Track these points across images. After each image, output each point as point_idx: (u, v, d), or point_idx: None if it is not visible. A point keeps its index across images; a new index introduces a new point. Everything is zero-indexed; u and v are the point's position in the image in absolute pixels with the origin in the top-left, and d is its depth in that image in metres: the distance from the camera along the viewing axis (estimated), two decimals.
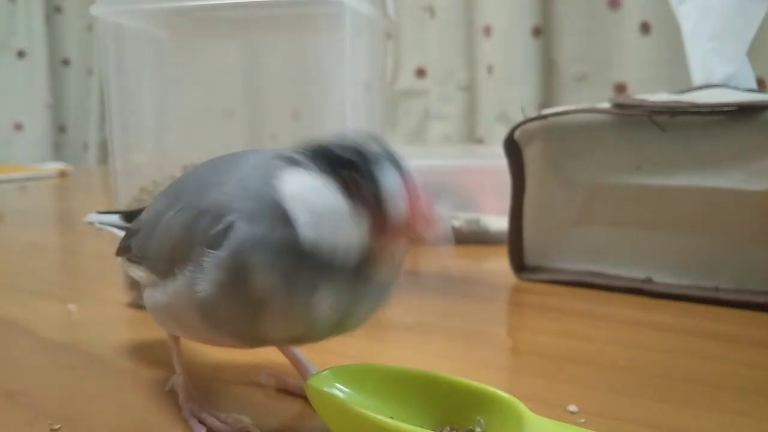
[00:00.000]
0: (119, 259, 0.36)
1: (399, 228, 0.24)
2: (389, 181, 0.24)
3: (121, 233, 0.37)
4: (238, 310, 0.26)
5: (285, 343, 0.28)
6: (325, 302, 0.25)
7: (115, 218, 0.40)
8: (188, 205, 0.28)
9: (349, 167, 0.24)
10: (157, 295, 0.30)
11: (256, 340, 0.28)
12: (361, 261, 0.25)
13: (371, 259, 0.25)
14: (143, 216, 0.34)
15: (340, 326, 0.28)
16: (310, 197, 0.25)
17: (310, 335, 0.28)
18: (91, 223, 0.41)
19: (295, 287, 0.25)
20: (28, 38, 1.90)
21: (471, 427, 0.28)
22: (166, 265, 0.29)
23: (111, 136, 0.51)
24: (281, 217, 0.25)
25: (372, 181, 0.24)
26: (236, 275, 0.25)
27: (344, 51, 0.46)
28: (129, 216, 0.39)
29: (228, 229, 0.26)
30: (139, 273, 0.33)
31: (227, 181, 0.28)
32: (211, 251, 0.26)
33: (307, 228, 0.25)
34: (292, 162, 0.26)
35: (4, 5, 1.87)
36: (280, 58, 0.58)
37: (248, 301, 0.26)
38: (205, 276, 0.26)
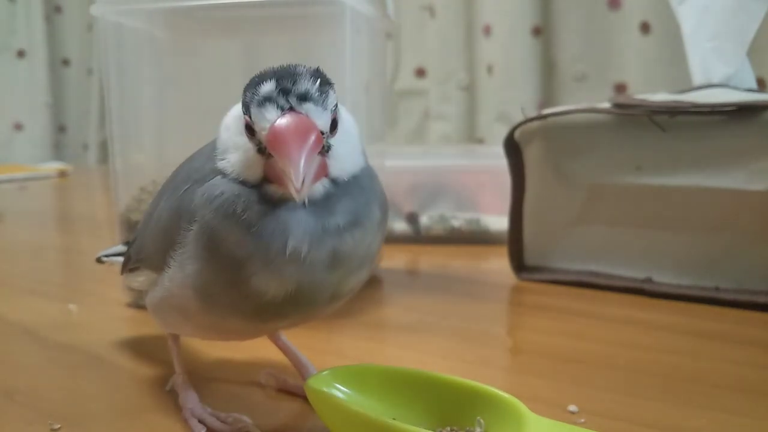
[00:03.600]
0: (124, 279, 0.36)
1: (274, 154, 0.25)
2: (261, 120, 0.25)
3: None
4: (226, 276, 0.26)
5: (290, 310, 0.27)
6: (296, 230, 0.25)
7: (119, 248, 0.41)
8: (166, 194, 0.30)
9: (244, 107, 0.26)
10: (156, 292, 0.30)
11: (256, 312, 0.27)
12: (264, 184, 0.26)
13: (272, 189, 0.26)
14: (139, 226, 0.34)
15: (336, 268, 0.26)
16: (228, 125, 0.28)
17: (310, 288, 0.26)
18: (101, 261, 0.41)
19: (260, 226, 0.25)
20: (28, 38, 1.90)
21: (471, 427, 0.28)
22: (160, 257, 0.29)
23: (111, 136, 0.51)
24: (217, 159, 0.27)
25: (251, 118, 0.25)
26: (209, 239, 0.26)
27: (344, 51, 0.46)
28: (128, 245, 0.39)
29: (195, 202, 0.27)
30: (139, 279, 0.33)
31: (194, 155, 0.30)
32: (190, 225, 0.26)
33: (221, 160, 0.27)
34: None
35: (4, 5, 1.87)
36: (280, 58, 0.58)
37: (230, 263, 0.26)
38: (189, 252, 0.27)
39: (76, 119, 1.96)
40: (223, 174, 0.27)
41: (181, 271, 0.27)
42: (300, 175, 0.23)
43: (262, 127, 0.25)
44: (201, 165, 0.28)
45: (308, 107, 0.25)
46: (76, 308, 0.51)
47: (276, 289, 0.26)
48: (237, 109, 0.27)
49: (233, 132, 0.27)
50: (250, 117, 0.25)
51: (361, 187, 0.27)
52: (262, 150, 0.26)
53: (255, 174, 0.26)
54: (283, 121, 0.24)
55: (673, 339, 0.43)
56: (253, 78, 0.26)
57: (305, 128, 0.24)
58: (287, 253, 0.25)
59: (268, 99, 0.25)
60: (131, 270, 0.34)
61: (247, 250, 0.25)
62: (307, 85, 0.25)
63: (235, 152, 0.27)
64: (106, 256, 0.41)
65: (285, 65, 0.26)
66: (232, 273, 0.26)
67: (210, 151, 0.29)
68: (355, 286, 0.29)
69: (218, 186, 0.26)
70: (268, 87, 0.25)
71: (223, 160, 0.27)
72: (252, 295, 0.26)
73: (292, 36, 0.57)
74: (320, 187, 0.26)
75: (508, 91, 1.18)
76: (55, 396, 0.35)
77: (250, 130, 0.26)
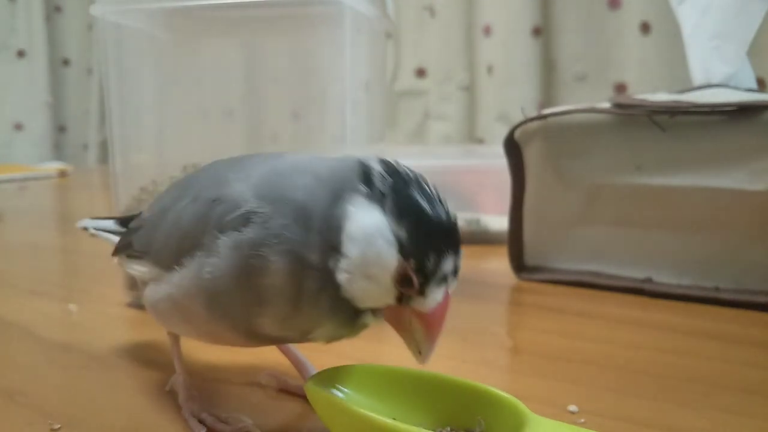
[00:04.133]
0: (115, 259, 0.36)
1: (409, 326, 0.26)
2: (435, 296, 0.25)
3: (116, 238, 0.37)
4: (241, 300, 0.26)
5: (279, 342, 0.29)
6: (322, 321, 0.26)
7: (110, 223, 0.40)
8: (203, 194, 0.28)
9: (416, 250, 0.24)
10: (160, 288, 0.30)
11: (252, 336, 0.28)
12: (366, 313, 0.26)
13: (374, 317, 0.27)
14: (146, 214, 0.34)
15: (331, 338, 0.28)
16: (368, 246, 0.25)
17: (303, 340, 0.28)
18: (85, 229, 0.41)
19: (300, 300, 0.26)
20: (28, 38, 1.90)
21: (471, 427, 0.28)
22: (173, 256, 0.29)
23: (111, 136, 0.51)
24: (326, 235, 0.25)
25: (424, 282, 0.25)
26: (249, 263, 0.25)
27: (344, 51, 0.46)
28: (124, 222, 0.39)
29: (251, 214, 0.26)
30: (140, 269, 0.33)
31: (254, 175, 0.27)
32: (230, 233, 0.26)
33: (345, 275, 0.25)
34: (370, 192, 0.25)
35: (4, 5, 1.87)
36: (280, 58, 0.58)
37: (252, 293, 0.26)
38: (216, 259, 0.26)
39: (76, 119, 1.97)
40: (324, 258, 0.25)
41: (197, 274, 0.27)
42: (433, 351, 0.25)
43: (433, 301, 0.25)
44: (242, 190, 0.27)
45: (452, 286, 0.26)
46: (76, 308, 0.51)
47: (278, 332, 0.27)
48: (382, 232, 0.25)
49: (371, 260, 0.25)
50: (418, 279, 0.25)
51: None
52: (399, 300, 0.25)
53: (369, 304, 0.26)
54: (443, 304, 0.25)
55: (673, 339, 0.43)
56: (435, 231, 0.25)
57: (448, 309, 0.26)
58: (306, 322, 0.26)
59: (444, 279, 0.25)
60: (130, 257, 0.34)
61: (277, 297, 0.26)
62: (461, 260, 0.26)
63: (365, 281, 0.25)
64: (95, 228, 0.40)
65: (454, 223, 0.25)
66: (248, 301, 0.26)
67: (324, 192, 0.26)
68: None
69: (307, 247, 0.25)
70: (449, 265, 0.25)
71: (342, 275, 0.25)
72: (255, 324, 0.27)
73: (292, 36, 0.57)
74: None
75: (508, 91, 1.18)
76: (55, 396, 0.35)
77: (405, 281, 0.25)
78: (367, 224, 0.25)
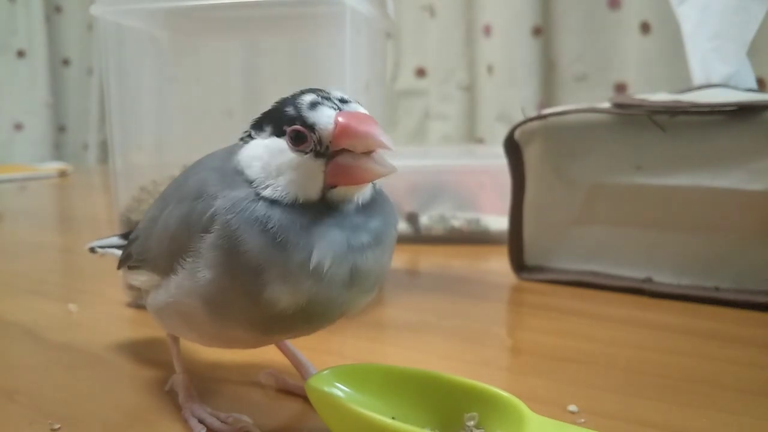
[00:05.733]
0: (121, 272, 0.36)
1: (352, 168, 0.26)
2: (325, 118, 0.26)
3: (119, 252, 0.37)
4: (241, 285, 0.26)
5: (299, 324, 0.28)
6: (322, 244, 0.26)
7: (114, 240, 0.40)
8: (178, 196, 0.29)
9: (289, 121, 0.27)
10: (160, 296, 0.30)
11: (265, 324, 0.27)
12: (324, 197, 0.27)
13: (335, 194, 0.27)
14: (140, 224, 0.34)
15: (352, 286, 0.27)
16: (259, 156, 0.27)
17: (322, 305, 0.27)
18: (93, 250, 0.41)
19: (286, 238, 0.25)
20: (28, 38, 1.90)
21: (467, 422, 0.28)
22: (167, 262, 0.29)
23: (111, 136, 0.51)
24: (243, 183, 0.27)
25: (306, 124, 0.26)
26: (228, 248, 0.26)
27: (344, 51, 0.46)
28: (126, 235, 0.39)
29: (214, 210, 0.27)
30: (141, 278, 0.33)
31: (200, 170, 0.30)
32: (204, 234, 0.26)
33: (261, 183, 0.27)
34: (248, 138, 0.29)
35: (4, 5, 1.87)
36: (280, 58, 0.58)
37: (248, 272, 0.26)
38: (203, 260, 0.26)
39: (76, 119, 1.97)
40: (255, 192, 0.27)
41: (191, 278, 0.27)
42: (381, 134, 0.25)
43: (326, 123, 0.26)
44: (215, 180, 0.28)
45: (354, 106, 0.27)
46: (76, 308, 0.51)
47: (288, 301, 0.26)
48: (261, 142, 0.28)
49: (271, 158, 0.27)
50: (303, 124, 0.26)
51: (381, 206, 0.28)
52: (321, 153, 0.26)
53: (316, 185, 0.27)
54: (344, 113, 0.26)
55: (673, 339, 0.43)
56: (282, 101, 0.28)
57: (366, 116, 0.26)
58: (311, 266, 0.25)
59: (316, 103, 0.27)
60: (131, 267, 0.34)
61: (267, 258, 0.25)
62: (339, 93, 0.28)
63: (284, 174, 0.27)
64: (101, 247, 0.41)
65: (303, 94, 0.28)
66: (247, 281, 0.26)
67: (222, 161, 0.29)
68: (364, 306, 0.29)
69: (245, 199, 0.27)
70: (309, 97, 0.27)
71: (266, 188, 0.27)
72: (263, 306, 0.26)
73: (292, 36, 0.57)
74: (368, 191, 0.28)
75: (508, 91, 1.18)
76: (55, 396, 0.35)
77: (300, 139, 0.26)
78: (249, 148, 0.28)
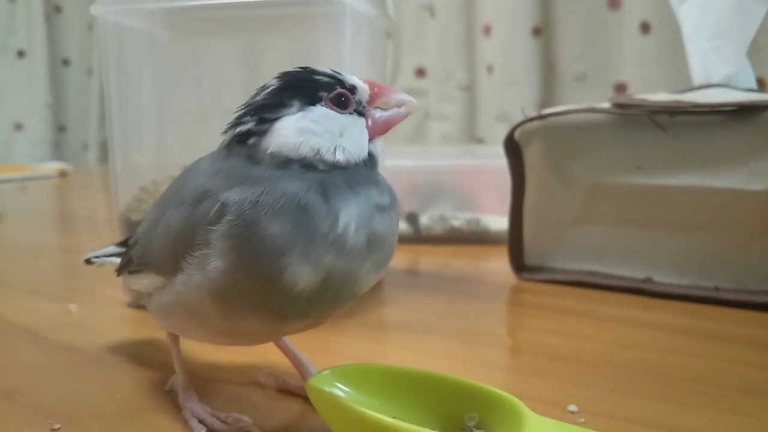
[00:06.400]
0: (120, 280, 0.36)
1: (378, 102, 0.30)
2: (356, 80, 0.30)
3: (117, 260, 0.38)
4: (258, 272, 0.26)
5: (314, 307, 0.27)
6: (349, 210, 0.27)
7: (111, 248, 0.40)
8: (177, 201, 0.29)
9: (328, 87, 0.29)
10: (165, 296, 0.30)
11: (281, 310, 0.27)
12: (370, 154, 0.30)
13: (373, 149, 0.30)
14: (139, 229, 0.34)
15: (370, 252, 0.27)
16: (306, 129, 0.28)
17: (340, 276, 0.27)
18: (89, 261, 0.41)
19: (313, 210, 0.26)
20: (28, 38, 1.90)
21: (467, 423, 0.28)
22: (172, 261, 0.29)
23: (111, 136, 0.51)
24: (265, 173, 0.27)
25: (346, 87, 0.29)
26: (246, 236, 0.26)
27: (344, 51, 0.46)
28: (123, 243, 0.39)
29: (222, 203, 0.26)
30: (142, 281, 0.32)
31: (199, 174, 0.30)
32: (212, 226, 0.26)
33: (320, 153, 0.28)
34: (259, 125, 0.29)
35: (4, 5, 1.87)
36: (280, 58, 0.58)
37: (268, 256, 0.25)
38: (214, 252, 0.26)
39: (76, 119, 1.97)
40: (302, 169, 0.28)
41: (200, 272, 0.27)
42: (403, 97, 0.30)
43: (362, 84, 0.30)
44: (220, 180, 0.28)
45: None
46: (76, 308, 0.51)
47: (307, 280, 0.26)
48: (297, 117, 0.28)
49: (326, 126, 0.28)
50: (346, 88, 0.29)
51: (386, 184, 0.30)
52: (360, 112, 0.30)
53: (366, 141, 0.29)
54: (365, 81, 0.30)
55: (673, 339, 0.43)
56: (295, 75, 0.29)
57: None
58: (338, 231, 0.26)
59: (340, 74, 0.29)
60: (132, 272, 0.34)
61: (291, 238, 0.26)
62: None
63: (345, 136, 0.29)
64: (96, 257, 0.41)
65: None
66: (266, 266, 0.26)
67: (221, 162, 0.29)
68: (373, 282, 0.29)
69: (266, 183, 0.27)
70: (324, 69, 0.29)
71: (332, 153, 0.28)
72: (281, 289, 0.26)
73: (292, 36, 0.57)
74: (380, 145, 0.31)
75: (508, 91, 1.18)
76: (55, 396, 0.35)
77: (345, 102, 0.29)
78: (286, 125, 0.28)
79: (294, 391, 0.35)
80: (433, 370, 0.30)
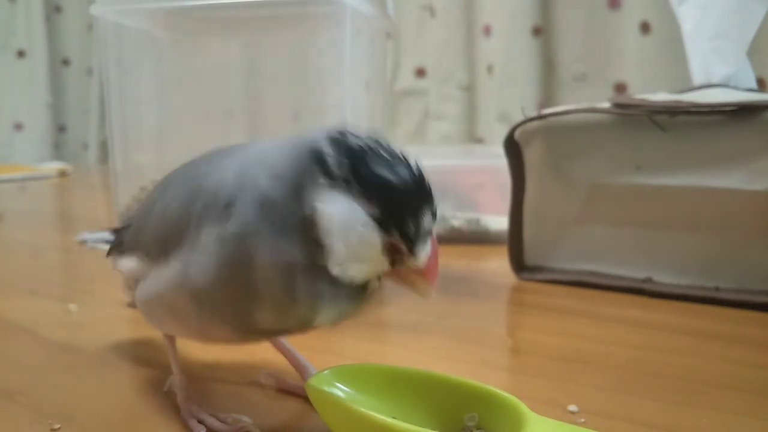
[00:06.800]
0: (109, 261, 0.36)
1: (409, 280, 0.27)
2: (424, 251, 0.26)
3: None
4: (233, 294, 0.26)
5: (278, 334, 0.28)
6: (322, 308, 0.26)
7: (105, 234, 0.41)
8: (185, 186, 0.28)
9: (395, 221, 0.25)
10: (147, 285, 0.30)
11: (246, 331, 0.28)
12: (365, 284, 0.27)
13: (373, 286, 0.27)
14: (134, 212, 0.34)
15: (336, 321, 0.28)
16: (349, 236, 0.25)
17: (305, 330, 0.28)
18: (84, 242, 0.41)
19: (294, 286, 0.25)
20: (28, 38, 1.90)
21: (467, 423, 0.28)
22: (160, 248, 0.29)
23: (111, 136, 0.51)
24: (301, 232, 0.25)
25: (411, 245, 0.26)
26: (239, 254, 0.25)
27: (344, 51, 0.46)
28: (118, 230, 0.39)
29: (232, 205, 0.25)
30: (129, 264, 0.32)
31: (234, 164, 0.27)
32: (214, 226, 0.26)
33: (336, 268, 0.25)
34: (332, 182, 0.25)
35: (4, 5, 1.87)
36: (280, 58, 0.58)
37: (244, 289, 0.26)
38: (202, 255, 0.26)
39: (76, 119, 1.97)
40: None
41: (184, 272, 0.27)
42: (434, 290, 0.27)
43: (422, 259, 0.26)
44: (261, 214, 0.26)
45: (435, 228, 0.27)
46: (76, 308, 0.51)
47: (273, 325, 0.27)
48: (358, 217, 0.25)
49: (356, 246, 0.25)
50: (405, 245, 0.25)
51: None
52: (394, 263, 0.26)
53: (369, 276, 0.26)
54: (433, 251, 0.26)
55: (673, 339, 0.43)
56: (406, 197, 0.25)
57: (438, 252, 0.27)
58: (307, 313, 0.26)
59: (428, 233, 0.26)
60: (121, 252, 0.34)
61: (271, 287, 0.25)
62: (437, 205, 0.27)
63: (358, 264, 0.25)
64: (93, 241, 0.41)
65: (420, 177, 0.26)
66: (241, 294, 0.26)
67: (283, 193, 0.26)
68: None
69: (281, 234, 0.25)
70: (428, 220, 0.26)
71: (323, 256, 0.25)
72: (250, 317, 0.26)
73: (292, 36, 0.57)
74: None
75: (508, 91, 1.18)
76: (55, 396, 0.35)
77: (395, 251, 0.26)
78: (341, 215, 0.25)
79: (294, 391, 0.35)
80: (433, 370, 0.30)
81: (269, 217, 0.25)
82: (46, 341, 0.44)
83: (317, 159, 0.25)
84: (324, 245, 0.25)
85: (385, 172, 0.25)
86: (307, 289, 0.25)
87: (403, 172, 0.25)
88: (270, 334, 0.28)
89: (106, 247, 0.39)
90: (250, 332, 0.28)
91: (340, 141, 0.26)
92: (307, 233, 0.25)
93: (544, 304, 0.53)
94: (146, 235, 0.31)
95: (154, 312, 0.31)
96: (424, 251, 0.26)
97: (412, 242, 0.25)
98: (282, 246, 0.25)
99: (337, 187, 0.25)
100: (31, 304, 0.53)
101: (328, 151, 0.25)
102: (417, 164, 0.26)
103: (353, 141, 0.25)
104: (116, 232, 0.38)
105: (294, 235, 0.25)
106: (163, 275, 0.28)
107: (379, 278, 0.27)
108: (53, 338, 0.44)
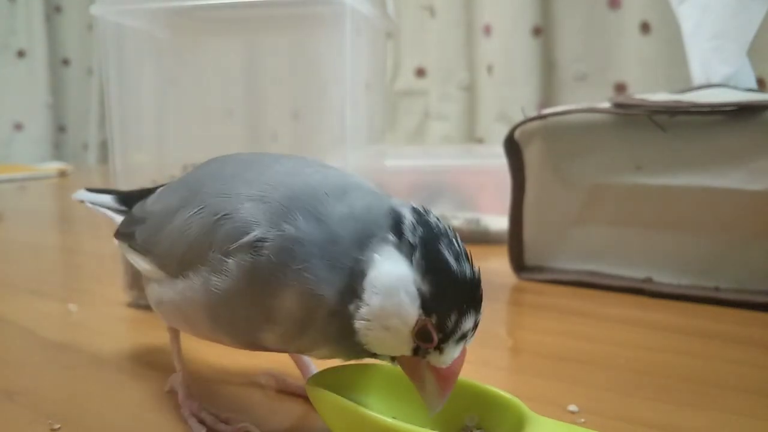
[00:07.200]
0: (116, 242, 0.35)
1: (421, 376, 0.26)
2: (452, 353, 0.25)
3: (115, 216, 0.37)
4: (246, 316, 0.26)
5: (276, 351, 0.29)
6: (325, 347, 0.27)
7: (108, 199, 0.39)
8: (210, 207, 0.28)
9: (439, 307, 0.24)
10: (164, 291, 0.30)
11: (251, 345, 0.28)
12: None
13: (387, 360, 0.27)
14: (151, 206, 0.33)
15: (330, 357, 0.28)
16: (389, 298, 0.24)
17: (301, 353, 0.29)
18: (81, 201, 0.40)
19: (308, 326, 0.25)
20: (28, 38, 1.90)
21: (468, 423, 0.28)
22: (177, 265, 0.29)
23: (111, 136, 0.51)
24: (347, 277, 0.25)
25: (443, 339, 0.25)
26: (262, 285, 0.25)
27: (344, 51, 0.46)
28: (124, 199, 0.38)
29: (260, 242, 0.25)
30: (143, 265, 0.32)
31: (274, 194, 0.26)
32: (241, 255, 0.25)
33: (363, 322, 0.25)
34: (399, 242, 0.25)
35: (4, 5, 1.87)
36: (280, 58, 0.58)
37: (260, 312, 0.26)
38: (224, 277, 0.26)
39: (76, 119, 1.97)
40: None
41: (204, 288, 0.27)
42: (443, 404, 0.25)
43: (449, 358, 0.25)
44: (259, 198, 0.26)
45: (471, 340, 0.26)
46: (76, 308, 0.51)
47: (274, 345, 0.27)
48: (406, 285, 0.24)
49: (392, 311, 0.24)
50: (437, 336, 0.24)
51: None
52: (416, 351, 0.25)
53: (383, 352, 0.26)
54: (459, 359, 0.25)
55: (673, 339, 0.43)
56: (459, 291, 0.24)
57: (462, 365, 0.26)
58: (313, 350, 0.27)
59: (464, 337, 0.25)
60: (132, 247, 0.33)
61: (285, 319, 0.26)
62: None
63: (382, 331, 0.25)
64: (92, 203, 0.39)
65: (477, 283, 0.25)
66: (254, 319, 0.26)
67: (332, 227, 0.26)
68: None
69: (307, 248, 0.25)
70: (469, 323, 0.25)
71: (356, 306, 0.25)
72: (257, 339, 0.27)
73: (292, 36, 0.57)
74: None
75: (508, 91, 1.18)
76: (55, 396, 0.35)
77: (424, 336, 0.25)
78: (392, 275, 0.24)
79: (294, 391, 0.35)
80: None
81: (321, 252, 0.25)
82: (46, 341, 0.44)
83: (395, 217, 0.25)
84: (362, 297, 0.24)
85: (450, 259, 0.24)
86: (318, 329, 0.25)
87: (467, 269, 0.25)
88: (270, 349, 0.28)
89: (105, 211, 0.38)
90: (252, 346, 0.28)
91: (421, 213, 0.26)
92: (350, 279, 0.25)
93: (544, 304, 0.53)
94: (161, 246, 0.30)
95: (169, 314, 0.31)
96: (454, 351, 0.25)
97: (446, 335, 0.25)
98: (321, 283, 0.25)
99: (402, 248, 0.25)
100: (31, 304, 0.53)
101: (408, 215, 0.25)
102: (479, 271, 0.25)
103: (433, 219, 0.26)
104: (123, 206, 0.37)
105: (337, 275, 0.25)
106: (180, 287, 0.28)
107: (392, 359, 0.26)
108: (53, 338, 0.44)
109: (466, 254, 0.25)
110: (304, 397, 0.33)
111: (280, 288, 0.25)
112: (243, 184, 0.27)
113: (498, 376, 0.39)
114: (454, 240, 0.25)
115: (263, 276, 0.25)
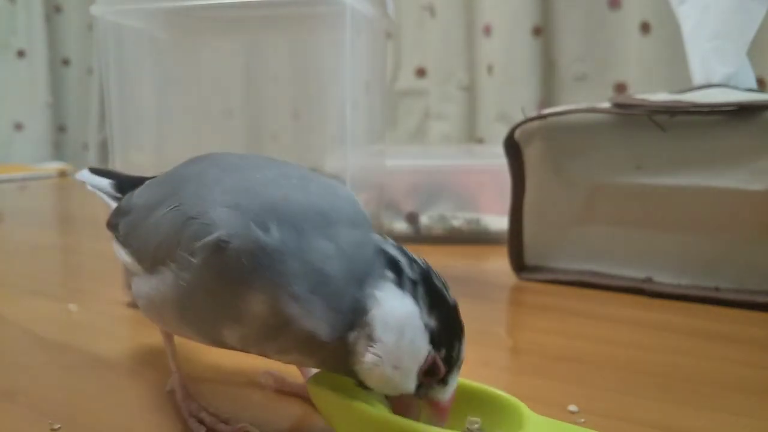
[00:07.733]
0: (120, 270, 0.36)
1: (414, 412, 0.26)
2: (453, 384, 0.25)
3: (111, 202, 0.38)
4: (212, 313, 0.26)
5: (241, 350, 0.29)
6: (294, 357, 0.27)
7: (106, 184, 0.40)
8: (183, 206, 0.28)
9: (446, 339, 0.25)
10: (141, 285, 0.31)
11: (217, 343, 0.28)
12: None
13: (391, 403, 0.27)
14: (136, 199, 0.33)
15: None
16: (402, 335, 0.24)
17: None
18: (83, 182, 0.41)
19: (279, 335, 0.25)
20: (28, 38, 1.90)
21: (469, 426, 0.28)
22: (150, 260, 0.29)
23: (111, 136, 0.51)
24: (346, 314, 0.24)
25: (448, 370, 0.25)
26: (225, 284, 0.25)
27: (344, 51, 0.46)
28: (121, 185, 0.39)
29: (222, 243, 0.25)
30: (125, 258, 0.33)
31: (254, 204, 0.26)
32: (203, 253, 0.25)
33: (372, 358, 0.24)
34: (399, 280, 0.25)
35: (4, 5, 1.87)
36: (281, 58, 0.58)
37: (227, 311, 0.26)
38: (190, 275, 0.26)
39: (76, 119, 1.96)
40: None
41: (173, 284, 0.27)
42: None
43: (451, 388, 0.25)
44: (227, 200, 0.26)
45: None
46: (76, 308, 0.51)
47: (237, 345, 0.27)
48: (415, 321, 0.24)
49: (405, 348, 0.24)
50: (444, 368, 0.25)
51: None
52: (418, 389, 0.25)
53: (385, 392, 0.26)
54: (452, 393, 0.26)
55: (673, 339, 0.43)
56: (457, 322, 0.25)
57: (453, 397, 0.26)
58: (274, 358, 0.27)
59: (461, 365, 0.26)
60: (117, 239, 0.34)
61: (250, 324, 0.26)
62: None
63: (391, 370, 0.24)
64: (92, 186, 0.40)
65: (457, 311, 0.25)
66: (219, 315, 0.26)
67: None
68: None
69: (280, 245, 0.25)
70: (464, 350, 0.25)
71: (371, 349, 0.24)
72: (217, 336, 0.27)
73: (292, 36, 0.57)
74: None
75: (508, 91, 1.18)
76: (55, 396, 0.35)
77: (431, 371, 0.25)
78: (402, 312, 0.24)
79: (293, 391, 0.35)
80: None
81: (303, 266, 0.24)
82: (46, 341, 0.44)
83: (388, 258, 0.25)
84: (369, 333, 0.24)
85: (445, 293, 0.25)
86: (290, 340, 0.25)
87: (453, 300, 0.25)
88: (234, 349, 0.28)
89: (103, 196, 0.39)
90: (217, 344, 0.28)
91: (403, 251, 0.26)
92: (350, 310, 0.24)
93: (544, 304, 0.53)
94: (138, 241, 0.31)
95: (146, 308, 0.31)
96: (454, 382, 0.26)
97: (450, 366, 0.25)
98: (303, 300, 0.24)
99: (404, 286, 0.25)
100: (31, 304, 0.53)
101: (397, 252, 0.25)
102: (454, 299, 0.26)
103: (414, 257, 0.26)
104: (118, 192, 0.38)
105: (329, 300, 0.24)
106: (153, 282, 0.29)
107: (388, 398, 0.26)
108: (53, 338, 0.44)
109: (445, 283, 0.26)
110: (304, 397, 0.33)
111: (246, 290, 0.25)
112: (221, 191, 0.27)
113: (498, 376, 0.39)
114: (436, 274, 0.26)
115: (227, 276, 0.25)
